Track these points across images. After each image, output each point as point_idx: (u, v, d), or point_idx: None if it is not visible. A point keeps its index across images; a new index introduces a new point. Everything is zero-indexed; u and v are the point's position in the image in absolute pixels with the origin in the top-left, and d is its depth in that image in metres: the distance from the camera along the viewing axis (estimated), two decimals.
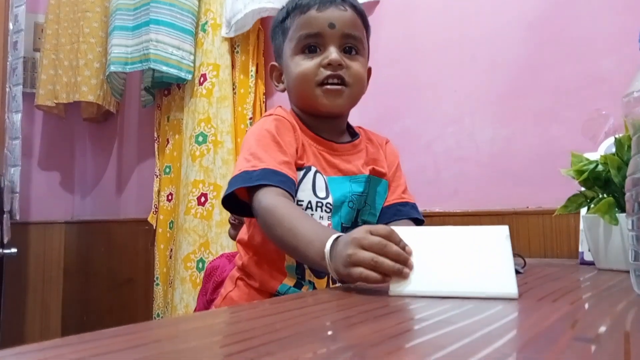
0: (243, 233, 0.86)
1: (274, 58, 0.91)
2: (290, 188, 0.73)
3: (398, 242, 0.52)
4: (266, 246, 0.79)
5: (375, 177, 0.87)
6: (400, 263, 0.51)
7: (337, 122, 0.88)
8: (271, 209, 0.68)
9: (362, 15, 0.86)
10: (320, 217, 0.79)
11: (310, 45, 0.81)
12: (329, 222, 0.80)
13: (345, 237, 0.56)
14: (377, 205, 0.88)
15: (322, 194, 0.80)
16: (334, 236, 0.58)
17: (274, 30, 0.90)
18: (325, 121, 0.85)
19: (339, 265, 0.54)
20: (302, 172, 0.80)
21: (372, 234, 0.53)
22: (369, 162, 0.88)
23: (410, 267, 0.51)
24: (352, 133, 0.91)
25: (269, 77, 0.91)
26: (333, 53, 0.79)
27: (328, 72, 0.80)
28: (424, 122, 1.37)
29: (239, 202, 0.77)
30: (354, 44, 0.83)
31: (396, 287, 0.50)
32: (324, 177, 0.82)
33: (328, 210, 0.80)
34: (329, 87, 0.80)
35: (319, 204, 0.79)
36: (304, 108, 0.86)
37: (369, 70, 0.90)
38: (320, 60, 0.80)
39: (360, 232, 0.54)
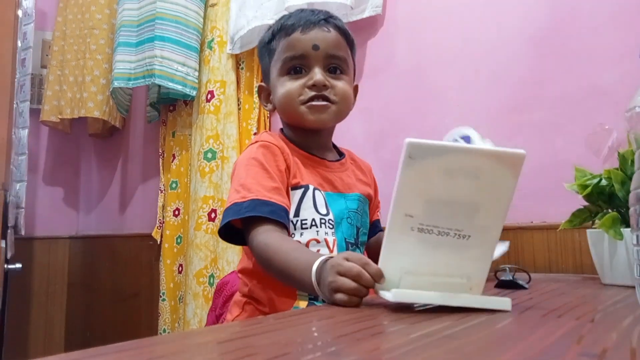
0: (244, 262, 0.86)
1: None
2: (281, 217, 0.75)
3: (374, 271, 0.53)
4: None
5: (364, 196, 0.90)
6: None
7: (324, 139, 0.91)
8: (263, 248, 0.71)
9: (346, 35, 0.87)
10: (325, 233, 0.79)
11: (296, 67, 0.84)
12: (334, 237, 0.80)
13: (328, 263, 0.58)
14: (367, 225, 0.91)
15: (323, 210, 0.81)
16: (317, 263, 0.60)
17: (260, 51, 0.92)
18: (313, 138, 0.88)
19: (325, 291, 0.57)
20: (300, 191, 0.81)
21: (347, 260, 0.55)
22: (357, 183, 0.91)
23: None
24: (338, 152, 0.95)
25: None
26: (317, 74, 0.82)
27: (313, 93, 0.82)
28: (427, 135, 1.36)
29: (236, 230, 0.79)
30: (338, 64, 0.85)
31: (397, 295, 0.50)
32: (322, 193, 0.82)
33: (331, 226, 0.80)
34: (314, 103, 0.82)
35: (322, 221, 0.80)
36: (292, 124, 0.88)
37: (356, 88, 0.92)
38: (305, 81, 0.82)
39: (337, 259, 0.57)
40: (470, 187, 0.48)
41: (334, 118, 0.85)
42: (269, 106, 0.91)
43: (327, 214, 0.81)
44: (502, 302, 0.46)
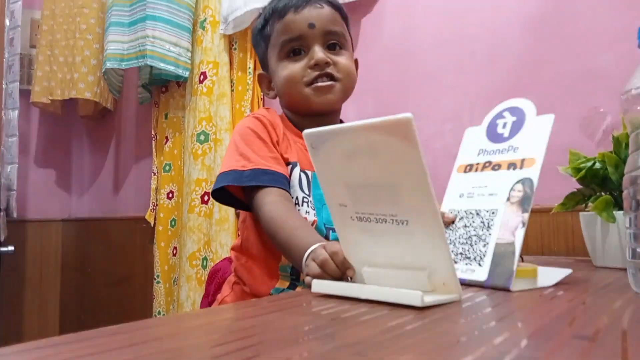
0: (237, 240, 0.87)
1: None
2: (283, 184, 0.75)
3: (339, 260, 0.53)
4: (260, 246, 0.80)
5: None
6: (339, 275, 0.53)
7: (330, 120, 0.87)
8: (268, 220, 0.70)
9: (339, 10, 0.85)
10: (306, 212, 0.79)
11: (294, 49, 0.81)
12: (315, 218, 0.79)
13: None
14: None
15: (306, 190, 0.80)
16: (309, 250, 0.59)
17: (255, 39, 0.89)
18: (318, 120, 0.84)
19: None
20: (289, 168, 0.81)
21: (324, 249, 0.55)
22: None
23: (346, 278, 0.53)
24: None
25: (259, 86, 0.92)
26: (318, 53, 0.80)
27: (316, 73, 0.80)
28: (422, 119, 1.36)
29: (227, 194, 0.78)
30: (337, 39, 0.83)
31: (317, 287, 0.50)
32: (308, 173, 0.82)
33: (312, 207, 0.80)
34: (319, 84, 0.80)
35: (305, 200, 0.79)
36: (298, 110, 0.86)
37: (356, 62, 0.90)
38: (306, 62, 0.80)
39: (318, 246, 0.57)
40: (374, 166, 0.44)
41: (340, 97, 0.84)
42: (271, 94, 0.89)
43: (308, 195, 0.80)
44: (413, 296, 0.42)
